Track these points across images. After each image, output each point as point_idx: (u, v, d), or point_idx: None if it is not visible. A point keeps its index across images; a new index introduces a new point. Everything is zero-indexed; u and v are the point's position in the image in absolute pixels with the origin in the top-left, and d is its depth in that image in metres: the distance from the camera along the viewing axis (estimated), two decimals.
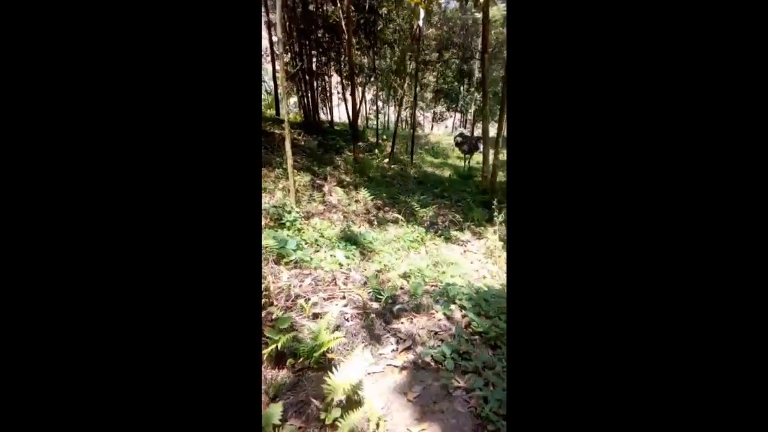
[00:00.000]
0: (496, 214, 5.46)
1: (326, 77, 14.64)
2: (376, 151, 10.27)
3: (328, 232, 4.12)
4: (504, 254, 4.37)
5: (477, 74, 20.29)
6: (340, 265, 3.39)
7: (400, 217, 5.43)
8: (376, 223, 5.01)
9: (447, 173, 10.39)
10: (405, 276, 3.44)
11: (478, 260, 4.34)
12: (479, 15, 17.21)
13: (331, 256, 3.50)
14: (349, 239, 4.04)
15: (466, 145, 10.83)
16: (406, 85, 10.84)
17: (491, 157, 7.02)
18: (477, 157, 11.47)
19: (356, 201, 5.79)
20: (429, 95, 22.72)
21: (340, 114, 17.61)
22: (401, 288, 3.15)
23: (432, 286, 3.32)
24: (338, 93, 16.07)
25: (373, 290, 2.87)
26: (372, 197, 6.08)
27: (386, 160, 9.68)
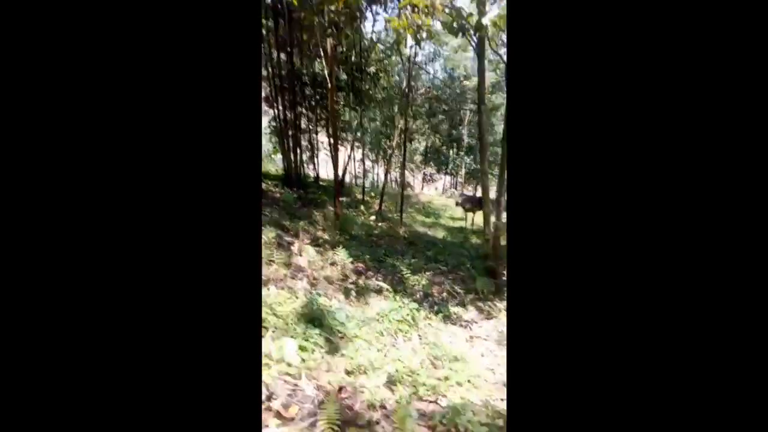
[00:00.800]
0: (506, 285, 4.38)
1: (313, 134, 14.40)
2: (362, 207, 9.40)
3: (284, 308, 2.94)
4: None
5: (466, 140, 20.67)
6: (289, 365, 2.18)
7: (385, 285, 4.29)
8: (354, 294, 3.85)
9: (440, 234, 9.45)
10: (390, 382, 2.23)
11: (491, 351, 3.15)
12: (467, 83, 17.92)
13: (277, 349, 2.30)
14: (313, 319, 2.85)
15: (469, 203, 10.22)
16: (395, 143, 10.40)
17: (492, 217, 6.16)
18: (477, 219, 10.70)
19: (332, 263, 4.67)
20: (419, 157, 22.91)
21: (328, 172, 17.23)
22: (381, 407, 1.94)
23: (430, 401, 2.10)
24: (326, 150, 15.80)
25: (327, 425, 1.65)
26: (352, 259, 4.98)
27: (373, 218, 8.76)
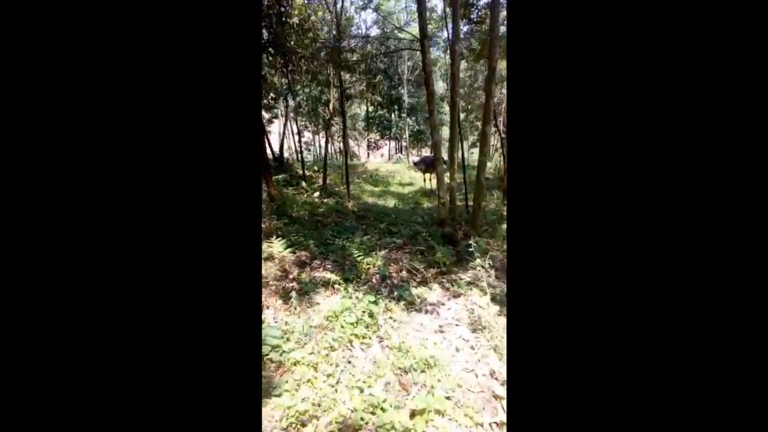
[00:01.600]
0: (474, 250, 3.88)
1: None
2: (304, 184, 8.42)
3: None
4: (501, 325, 2.71)
5: (407, 100, 19.84)
6: None
7: (334, 277, 3.58)
8: (295, 296, 3.10)
9: (391, 203, 8.86)
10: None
11: (466, 341, 2.63)
12: (402, 35, 16.89)
13: None
14: None
15: (423, 164, 9.79)
16: (332, 106, 9.33)
17: (446, 177, 5.61)
18: (435, 181, 10.21)
19: (266, 259, 3.84)
20: (361, 124, 21.75)
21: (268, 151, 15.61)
22: None
23: None
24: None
25: None
26: (293, 249, 4.18)
27: (316, 195, 7.87)
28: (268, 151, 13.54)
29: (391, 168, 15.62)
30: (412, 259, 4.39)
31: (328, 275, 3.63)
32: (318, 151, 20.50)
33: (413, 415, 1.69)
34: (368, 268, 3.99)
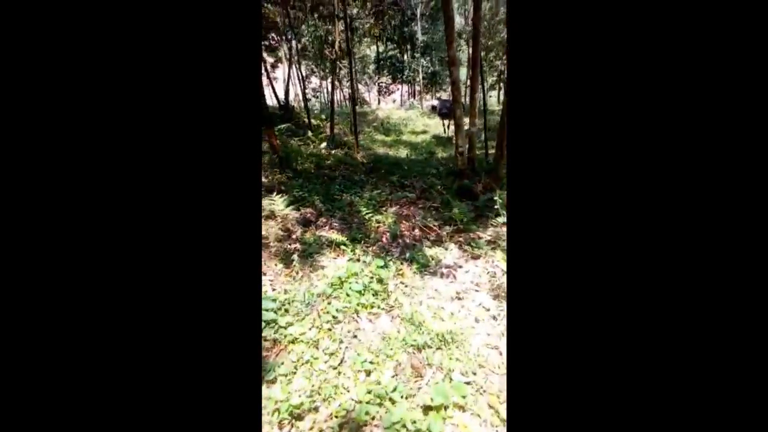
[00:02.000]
0: (498, 206, 3.46)
1: None
2: (310, 134, 7.89)
3: None
4: None
5: (421, 37, 18.12)
6: None
7: (340, 238, 3.27)
8: (297, 258, 2.82)
9: (404, 153, 8.31)
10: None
11: (487, 310, 2.34)
12: None
13: None
14: None
15: (444, 107, 9.07)
16: (337, 46, 8.44)
17: (465, 122, 5.02)
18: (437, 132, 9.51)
19: (267, 217, 3.54)
20: (372, 67, 20.24)
21: (271, 99, 14.72)
22: None
23: None
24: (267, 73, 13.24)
25: None
26: (295, 206, 3.85)
27: (323, 145, 7.38)
28: (273, 98, 12.79)
29: (404, 115, 14.72)
30: (425, 215, 4.03)
31: (335, 235, 3.33)
32: (326, 99, 19.45)
33: (428, 410, 1.43)
34: (378, 227, 3.66)
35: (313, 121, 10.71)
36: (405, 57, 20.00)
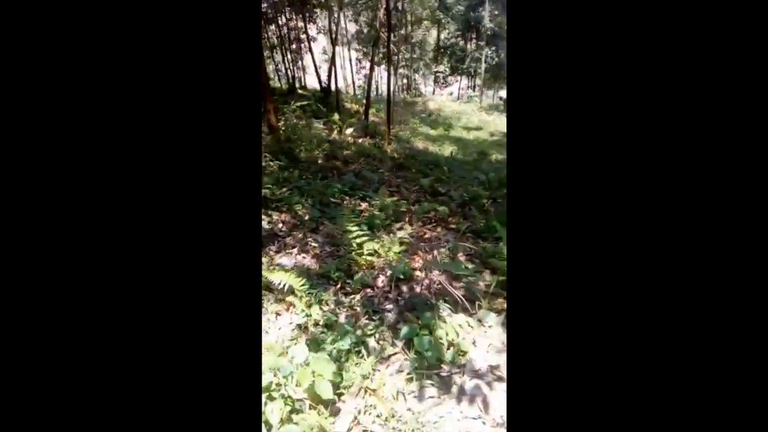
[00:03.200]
0: None
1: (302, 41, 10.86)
2: (336, 117, 6.63)
3: None
4: None
5: (488, 24, 16.12)
6: None
7: (315, 265, 1.96)
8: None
9: (448, 150, 6.78)
10: None
11: None
12: None
13: None
14: None
15: None
16: (381, 16, 7.07)
17: None
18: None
19: None
20: (430, 54, 18.60)
21: (312, 80, 13.78)
22: None
23: None
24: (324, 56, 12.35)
25: None
26: (266, 211, 2.61)
27: (349, 131, 6.10)
28: (314, 79, 11.79)
29: (458, 108, 13.02)
30: (456, 246, 2.57)
31: (309, 264, 2.02)
32: (379, 86, 18.20)
33: None
34: (372, 262, 2.29)
35: (350, 105, 9.53)
36: (468, 45, 18.11)
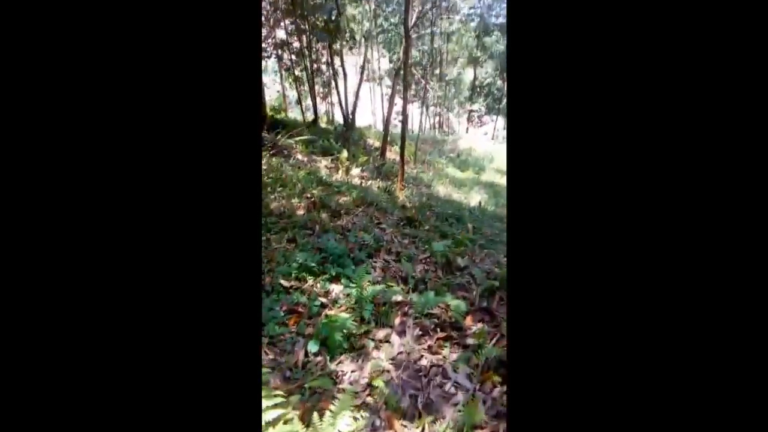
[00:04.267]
0: None
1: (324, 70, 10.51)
2: (344, 155, 5.68)
3: None
4: None
5: None
6: None
7: None
8: None
9: (476, 198, 5.58)
10: None
11: None
12: None
13: None
14: None
15: None
16: (421, 70, 6.31)
17: None
18: None
19: None
20: (465, 92, 17.93)
21: (364, 117, 13.24)
22: None
23: None
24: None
25: None
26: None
27: (357, 171, 5.10)
28: (337, 112, 11.22)
29: (492, 149, 11.87)
30: (469, 412, 1.33)
31: None
32: (413, 124, 17.60)
33: None
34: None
35: (373, 141, 8.70)
36: (505, 85, 17.31)
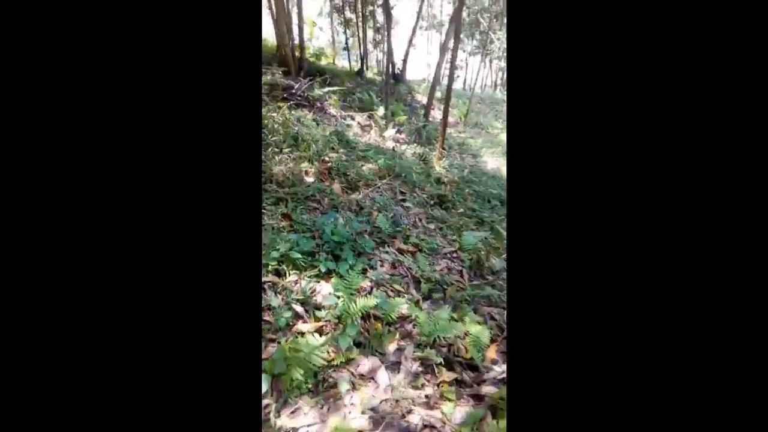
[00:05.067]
0: None
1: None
2: (380, 113, 4.95)
3: None
4: None
5: None
6: None
7: None
8: None
9: None
10: None
11: None
12: None
13: None
14: None
15: None
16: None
17: None
18: None
19: None
20: None
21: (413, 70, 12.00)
22: None
23: None
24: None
25: None
26: None
27: (391, 132, 4.44)
28: (379, 64, 10.24)
29: None
30: None
31: None
32: (468, 80, 15.84)
33: None
34: None
35: (423, 97, 7.79)
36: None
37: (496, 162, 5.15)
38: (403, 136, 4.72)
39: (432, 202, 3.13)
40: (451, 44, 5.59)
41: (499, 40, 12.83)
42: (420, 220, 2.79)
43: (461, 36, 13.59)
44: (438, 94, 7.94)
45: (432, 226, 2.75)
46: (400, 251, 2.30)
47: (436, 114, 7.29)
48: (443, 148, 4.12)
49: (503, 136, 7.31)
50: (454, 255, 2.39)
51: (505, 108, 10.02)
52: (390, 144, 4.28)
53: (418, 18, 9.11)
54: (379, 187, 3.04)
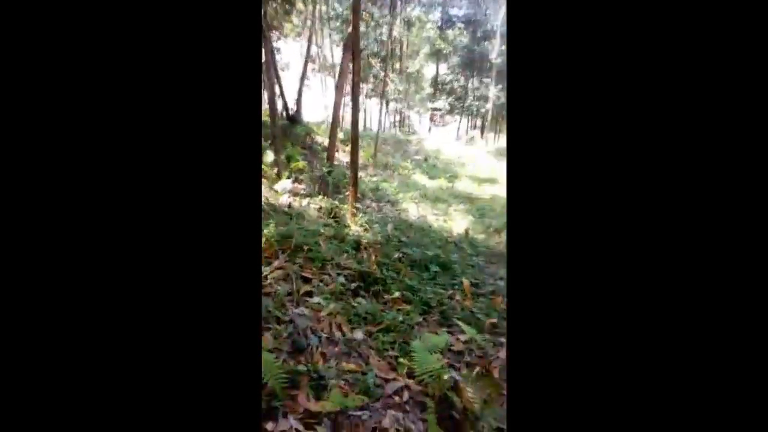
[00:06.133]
0: None
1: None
2: (271, 158, 3.84)
3: None
4: None
5: (495, 60, 14.26)
6: None
7: None
8: None
9: (460, 223, 4.06)
10: None
11: None
12: None
13: None
14: None
15: None
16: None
17: None
18: None
19: None
20: (427, 89, 16.61)
21: (319, 112, 10.96)
22: None
23: None
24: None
25: None
26: None
27: (286, 184, 3.34)
28: (278, 105, 9.28)
29: (461, 152, 10.57)
30: None
31: None
32: (368, 121, 15.84)
33: None
34: None
35: (323, 139, 6.94)
36: (469, 83, 16.26)
37: (417, 208, 4.43)
38: (302, 186, 3.66)
39: (353, 285, 2.10)
40: (348, 81, 4.91)
41: (393, 82, 13.14)
42: (339, 327, 1.72)
43: (348, 72, 13.59)
44: (341, 135, 7.20)
45: (359, 336, 1.70)
46: (310, 416, 1.17)
47: (341, 156, 6.49)
48: (357, 197, 3.17)
49: (416, 177, 6.83)
50: (405, 400, 1.36)
51: (410, 148, 9.85)
52: (285, 199, 3.18)
53: (308, 54, 8.47)
54: (266, 278, 1.89)
